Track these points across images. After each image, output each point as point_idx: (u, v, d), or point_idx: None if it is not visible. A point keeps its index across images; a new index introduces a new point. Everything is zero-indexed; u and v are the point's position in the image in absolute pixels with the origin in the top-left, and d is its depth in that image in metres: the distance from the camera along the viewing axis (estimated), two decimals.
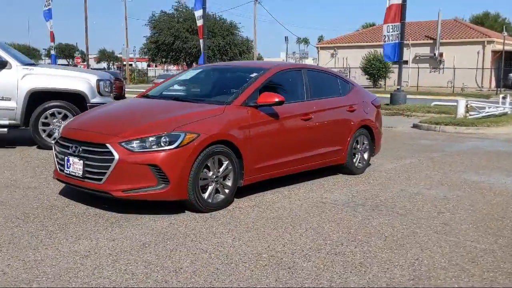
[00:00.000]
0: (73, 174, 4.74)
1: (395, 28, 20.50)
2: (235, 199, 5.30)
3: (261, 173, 5.40)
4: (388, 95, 21.73)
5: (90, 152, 4.60)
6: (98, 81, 8.57)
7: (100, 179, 4.51)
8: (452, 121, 13.68)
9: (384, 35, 21.05)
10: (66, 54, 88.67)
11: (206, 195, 4.78)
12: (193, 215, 4.72)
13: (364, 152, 7.03)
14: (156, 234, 4.14)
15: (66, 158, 4.81)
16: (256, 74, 5.73)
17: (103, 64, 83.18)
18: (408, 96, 27.96)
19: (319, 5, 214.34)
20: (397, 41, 20.63)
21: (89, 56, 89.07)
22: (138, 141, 4.48)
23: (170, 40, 47.77)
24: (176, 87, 6.22)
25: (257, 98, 5.31)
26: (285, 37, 78.20)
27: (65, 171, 4.85)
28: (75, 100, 8.43)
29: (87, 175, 4.61)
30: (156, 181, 4.46)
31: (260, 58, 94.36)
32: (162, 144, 4.48)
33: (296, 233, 4.30)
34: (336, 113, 6.46)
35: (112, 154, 4.44)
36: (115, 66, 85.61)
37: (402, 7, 20.24)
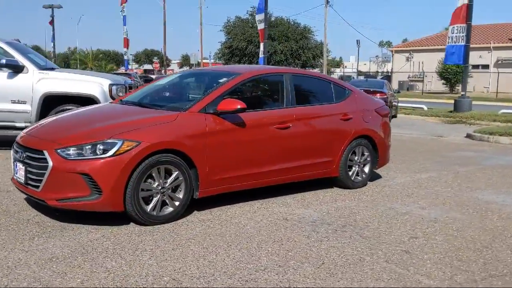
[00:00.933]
0: (19, 180, 4.69)
1: (461, 30, 19.17)
2: (195, 212, 5.01)
3: (222, 185, 5.05)
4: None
5: (31, 158, 4.52)
6: (111, 85, 8.61)
7: (38, 186, 4.41)
8: (509, 131, 12.41)
9: (449, 37, 19.77)
10: (151, 59, 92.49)
11: (149, 208, 4.51)
12: (135, 228, 4.49)
13: (364, 165, 6.44)
14: (76, 247, 3.95)
15: (15, 163, 4.77)
16: (225, 79, 5.38)
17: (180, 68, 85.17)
18: (483, 103, 26.16)
19: (399, 5, 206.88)
20: (462, 43, 19.28)
21: (172, 61, 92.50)
22: (74, 148, 4.32)
23: (244, 45, 48.25)
24: (152, 91, 6.01)
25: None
26: (357, 40, 75.96)
27: (15, 177, 4.81)
28: (87, 104, 8.51)
29: (29, 182, 4.53)
30: (90, 191, 4.28)
31: (333, 61, 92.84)
32: (98, 152, 4.29)
33: (225, 253, 3.92)
34: (324, 121, 5.95)
35: (47, 161, 4.32)
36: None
37: (468, 7, 18.89)
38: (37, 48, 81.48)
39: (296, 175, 5.73)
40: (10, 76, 8.27)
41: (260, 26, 27.80)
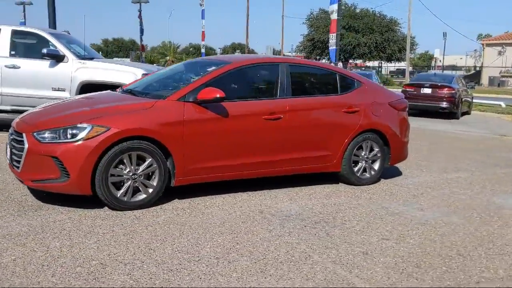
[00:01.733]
0: (7, 160, 4.97)
1: None
2: (176, 200, 5.03)
3: (201, 174, 5.01)
4: None
5: (15, 141, 4.76)
6: (144, 74, 8.85)
7: (18, 167, 4.64)
8: None
9: None
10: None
11: (119, 193, 4.59)
12: (105, 212, 4.59)
13: (373, 161, 6.09)
14: (36, 226, 4.10)
15: (6, 145, 5.05)
16: (213, 68, 5.32)
17: None
18: None
19: None
20: None
21: (258, 54, 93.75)
22: (48, 132, 4.49)
23: (326, 38, 47.63)
24: (153, 80, 6.06)
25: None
26: (443, 32, 71.39)
27: (7, 157, 5.11)
28: None
29: (13, 162, 4.77)
30: (59, 173, 4.43)
31: (425, 55, 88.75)
32: (68, 137, 4.43)
33: (171, 243, 3.88)
34: (323, 113, 5.69)
35: (24, 144, 4.53)
36: None
37: None
38: (133, 42, 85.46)
39: (289, 168, 5.54)
40: (52, 65, 8.77)
41: (333, 17, 27.19)
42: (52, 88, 8.78)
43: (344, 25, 46.39)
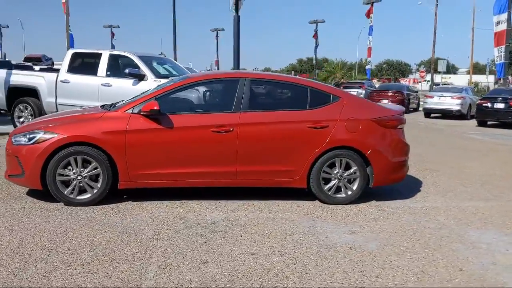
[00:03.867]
0: None
1: None
2: (122, 201, 5.56)
3: (145, 180, 5.46)
4: None
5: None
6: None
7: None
8: None
9: None
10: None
11: (66, 191, 5.34)
12: (57, 206, 5.36)
13: (350, 180, 5.76)
14: None
15: None
16: (169, 82, 5.76)
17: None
18: None
19: None
20: None
21: (461, 70, 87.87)
22: (19, 136, 5.47)
23: None
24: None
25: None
26: None
27: None
28: None
29: None
30: (21, 170, 5.37)
31: None
32: (27, 140, 5.36)
33: (33, 238, 4.30)
34: (283, 128, 5.62)
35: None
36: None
37: None
38: (325, 60, 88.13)
39: (248, 180, 5.61)
40: (135, 83, 10.09)
41: (500, 28, 24.65)
42: None
43: None
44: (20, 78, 11.34)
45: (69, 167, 5.33)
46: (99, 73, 10.42)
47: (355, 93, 29.38)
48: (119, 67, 10.58)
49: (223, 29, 56.68)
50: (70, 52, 11.01)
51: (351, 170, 5.74)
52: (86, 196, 5.39)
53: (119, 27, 53.16)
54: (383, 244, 4.43)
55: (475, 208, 5.80)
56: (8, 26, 57.69)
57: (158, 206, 5.46)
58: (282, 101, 6.08)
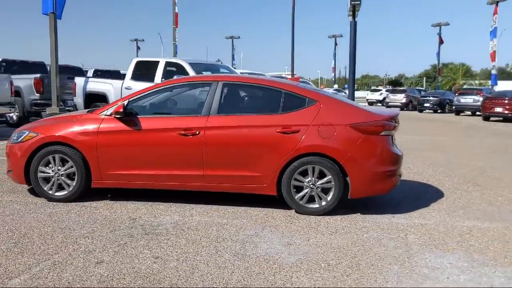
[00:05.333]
0: None
1: None
2: (96, 200, 5.80)
3: (116, 180, 5.62)
4: None
5: None
6: None
7: None
8: None
9: None
10: None
11: (46, 187, 5.72)
12: (39, 201, 5.79)
13: (325, 190, 5.38)
14: None
15: None
16: (145, 86, 5.88)
17: None
18: None
19: None
20: None
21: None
22: (14, 135, 6.00)
23: None
24: None
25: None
26: None
27: None
28: None
29: None
30: (12, 166, 5.90)
31: None
32: (16, 139, 5.86)
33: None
34: (252, 132, 5.40)
35: None
36: None
37: None
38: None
39: (216, 184, 5.51)
40: None
41: None
42: None
43: None
44: (94, 85, 12.40)
45: (50, 165, 5.70)
46: (155, 79, 10.97)
47: (471, 100, 27.14)
48: (173, 73, 11.03)
49: (341, 35, 55.96)
50: (134, 60, 11.77)
51: (325, 179, 5.34)
52: (63, 193, 5.72)
53: (239, 37, 55.28)
54: (304, 259, 4.06)
55: (470, 228, 5.04)
56: None
57: (126, 206, 5.60)
58: (255, 105, 5.88)
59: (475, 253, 4.30)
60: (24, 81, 13.98)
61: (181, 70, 10.69)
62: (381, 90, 48.80)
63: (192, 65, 10.82)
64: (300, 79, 24.94)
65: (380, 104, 41.19)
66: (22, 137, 5.78)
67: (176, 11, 27.55)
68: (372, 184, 5.36)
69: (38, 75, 13.75)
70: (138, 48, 57.74)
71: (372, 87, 60.21)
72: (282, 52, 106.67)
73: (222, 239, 4.52)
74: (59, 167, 5.69)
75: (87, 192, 5.77)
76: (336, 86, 65.68)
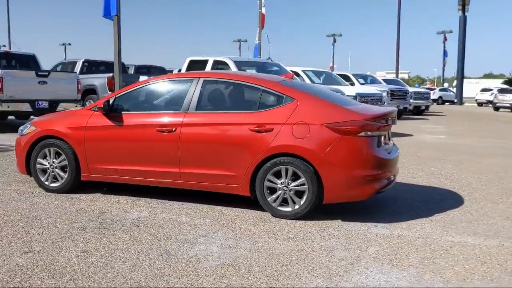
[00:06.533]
0: None
1: None
2: (82, 192, 6.01)
3: (103, 174, 5.77)
4: None
5: None
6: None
7: None
8: None
9: None
10: None
11: (43, 178, 6.05)
12: (35, 190, 6.14)
13: (299, 193, 5.07)
14: None
15: None
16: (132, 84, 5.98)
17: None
18: None
19: None
20: None
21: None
22: (22, 128, 6.41)
23: None
24: None
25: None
26: None
27: None
28: None
29: None
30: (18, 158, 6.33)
31: None
32: (21, 131, 6.27)
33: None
34: (226, 130, 5.24)
35: None
36: None
37: None
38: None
39: (193, 182, 5.42)
40: None
41: None
42: None
43: None
44: None
45: (47, 158, 6.02)
46: None
47: None
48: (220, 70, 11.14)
49: (451, 31, 52.52)
50: (188, 59, 12.05)
51: (298, 182, 5.03)
52: (57, 184, 6.00)
53: (341, 35, 54.36)
54: (229, 263, 3.82)
55: (452, 244, 4.44)
56: None
57: (111, 199, 5.73)
58: (233, 102, 5.68)
59: (429, 273, 3.77)
60: (99, 80, 15.01)
61: (226, 68, 10.75)
62: (492, 90, 44.99)
63: (236, 62, 10.81)
64: (412, 80, 23.72)
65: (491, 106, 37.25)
66: (25, 130, 6.16)
67: (263, 12, 27.68)
68: (347, 189, 4.95)
69: (110, 74, 14.61)
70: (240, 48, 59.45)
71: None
72: (390, 50, 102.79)
73: (166, 238, 4.43)
74: (54, 160, 5.97)
75: (87, 184, 6.04)
76: (446, 84, 61.89)
